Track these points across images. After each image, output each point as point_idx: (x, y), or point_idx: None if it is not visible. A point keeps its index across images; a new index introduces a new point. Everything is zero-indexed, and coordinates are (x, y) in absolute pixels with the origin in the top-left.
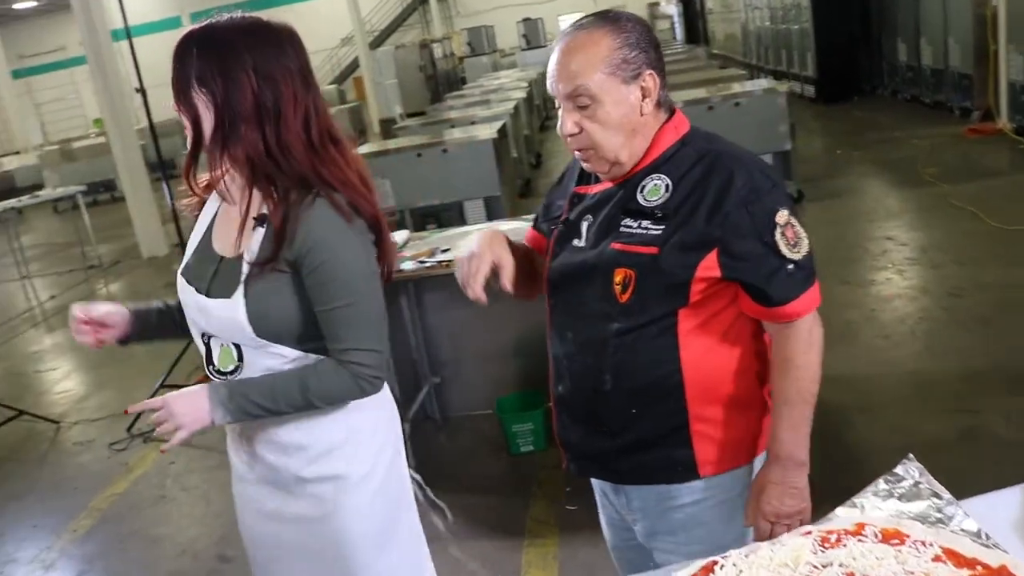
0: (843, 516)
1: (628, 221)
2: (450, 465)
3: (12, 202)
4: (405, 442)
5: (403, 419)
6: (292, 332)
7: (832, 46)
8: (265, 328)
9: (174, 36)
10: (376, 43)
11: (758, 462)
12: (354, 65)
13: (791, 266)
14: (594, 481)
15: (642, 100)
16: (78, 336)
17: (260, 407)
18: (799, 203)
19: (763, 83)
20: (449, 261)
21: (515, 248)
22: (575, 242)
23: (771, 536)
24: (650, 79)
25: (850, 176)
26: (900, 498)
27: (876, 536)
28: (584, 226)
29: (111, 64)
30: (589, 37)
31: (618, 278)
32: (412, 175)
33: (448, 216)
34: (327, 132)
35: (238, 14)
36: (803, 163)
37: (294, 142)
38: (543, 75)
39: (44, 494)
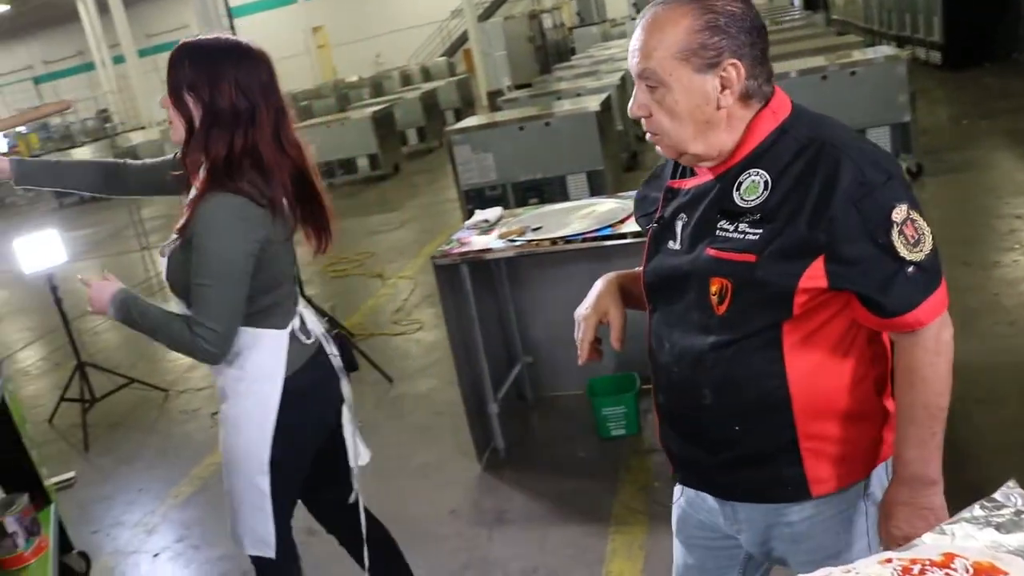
0: (930, 544)
1: (725, 223)
2: (539, 446)
3: None
4: (495, 420)
5: (494, 399)
6: (186, 292)
7: (961, 8)
8: (173, 284)
9: (287, 13)
10: (485, 15)
11: (876, 475)
12: (463, 38)
13: (911, 268)
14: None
15: (720, 92)
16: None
17: (136, 323)
18: (918, 178)
19: (883, 50)
20: (541, 240)
21: (634, 279)
22: (670, 244)
23: None
24: (732, 69)
25: (977, 149)
26: (998, 528)
27: (967, 570)
28: (679, 226)
29: None
30: (670, 14)
31: (714, 288)
32: (514, 149)
33: (550, 190)
34: (289, 136)
35: (224, 34)
36: (924, 135)
37: (263, 142)
38: None
39: (151, 460)
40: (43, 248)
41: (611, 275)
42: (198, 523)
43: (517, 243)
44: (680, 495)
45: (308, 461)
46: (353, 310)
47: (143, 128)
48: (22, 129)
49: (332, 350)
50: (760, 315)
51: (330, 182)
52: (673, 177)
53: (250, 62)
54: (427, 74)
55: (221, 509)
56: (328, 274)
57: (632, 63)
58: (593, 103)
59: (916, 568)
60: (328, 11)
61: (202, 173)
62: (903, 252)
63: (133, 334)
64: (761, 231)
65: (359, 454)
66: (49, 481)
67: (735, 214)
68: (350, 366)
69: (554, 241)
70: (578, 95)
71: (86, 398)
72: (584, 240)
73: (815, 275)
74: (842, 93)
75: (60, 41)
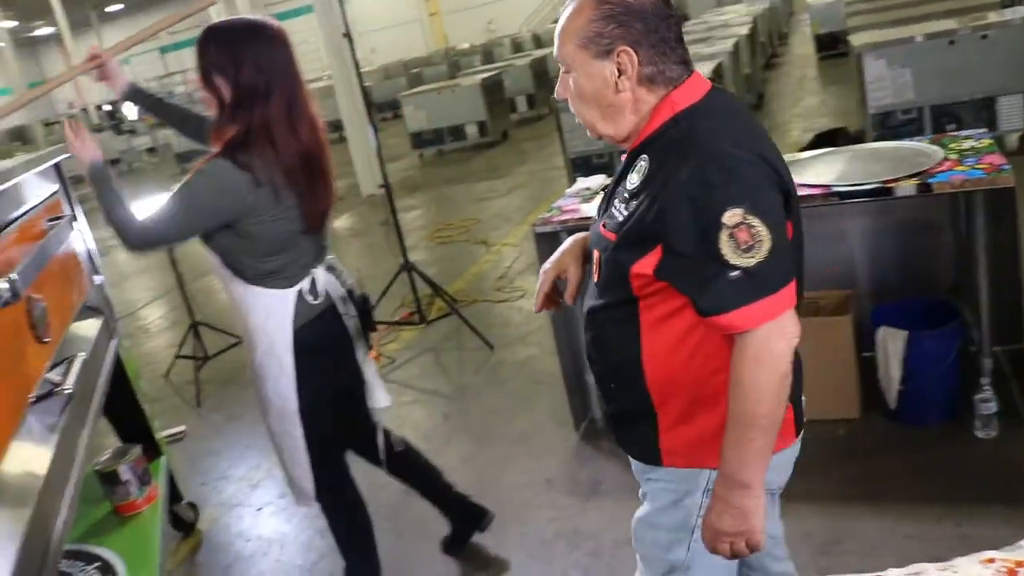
0: None
1: (616, 202)
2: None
3: None
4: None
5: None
6: (208, 239)
7: None
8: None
9: None
10: None
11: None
12: None
13: (736, 272)
14: None
15: (617, 77)
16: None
17: (99, 189)
18: None
19: (1021, 10)
20: None
21: None
22: (599, 216)
23: (717, 552)
24: (625, 56)
25: None
26: None
27: None
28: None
29: (334, 10)
30: (579, 5)
31: (595, 257)
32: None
33: None
34: (305, 112)
35: (248, 15)
36: None
37: (275, 121)
38: (770, 10)
39: (257, 418)
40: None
41: (579, 235)
42: None
43: None
44: None
45: (331, 409)
46: (457, 276)
47: None
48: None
49: (347, 310)
50: (615, 290)
51: (439, 148)
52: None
53: (266, 41)
54: (538, 41)
55: None
56: (434, 240)
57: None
58: (705, 70)
59: (1023, 572)
60: None
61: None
62: (728, 255)
63: None
64: (627, 214)
65: (377, 398)
66: (161, 434)
67: (623, 194)
68: (367, 325)
69: None
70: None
71: (199, 356)
72: None
73: (649, 263)
74: (970, 59)
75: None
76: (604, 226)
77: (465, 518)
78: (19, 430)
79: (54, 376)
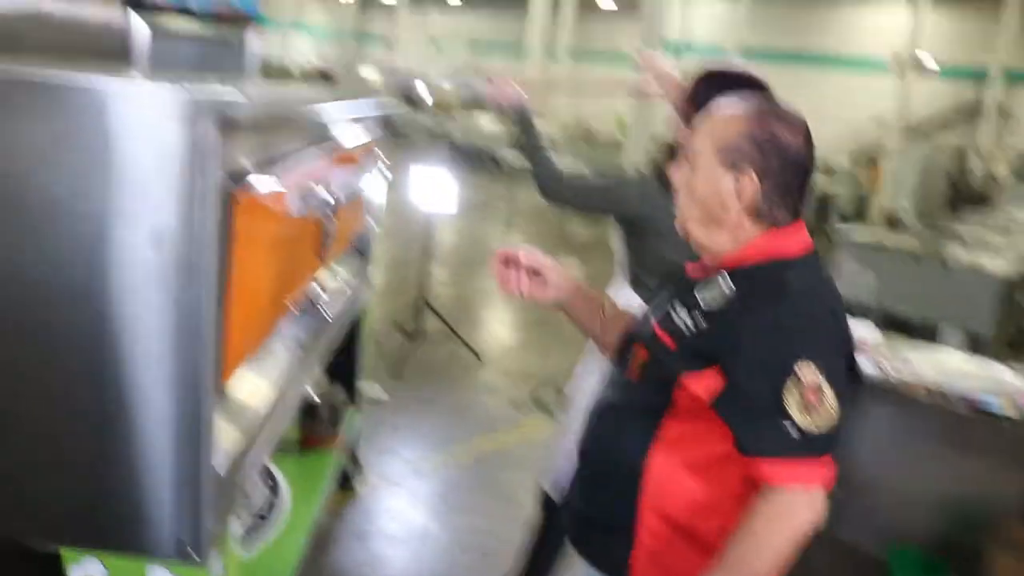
0: None
1: (678, 309)
2: None
3: None
4: None
5: None
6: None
7: None
8: None
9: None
10: (913, 134)
11: None
12: (877, 149)
13: (791, 425)
14: None
15: (731, 193)
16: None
17: (522, 130)
18: None
19: None
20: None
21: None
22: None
23: None
24: (747, 180)
25: None
26: None
27: None
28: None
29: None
30: (735, 112)
31: (639, 355)
32: (901, 280)
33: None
34: None
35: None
36: None
37: None
38: None
39: (445, 411)
40: (435, 189)
41: (574, 280)
42: (458, 487)
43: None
44: None
45: None
46: None
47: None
48: (447, 86)
49: None
50: (649, 395)
51: None
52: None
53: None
54: (826, 167)
55: (486, 482)
56: None
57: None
58: (1003, 265)
59: None
60: None
61: None
62: (790, 408)
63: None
64: (694, 330)
65: None
66: (365, 391)
67: (689, 306)
68: None
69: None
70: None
71: (413, 332)
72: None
73: (704, 385)
74: None
75: (505, 20)
76: (659, 326)
77: None
78: (275, 331)
79: (320, 297)
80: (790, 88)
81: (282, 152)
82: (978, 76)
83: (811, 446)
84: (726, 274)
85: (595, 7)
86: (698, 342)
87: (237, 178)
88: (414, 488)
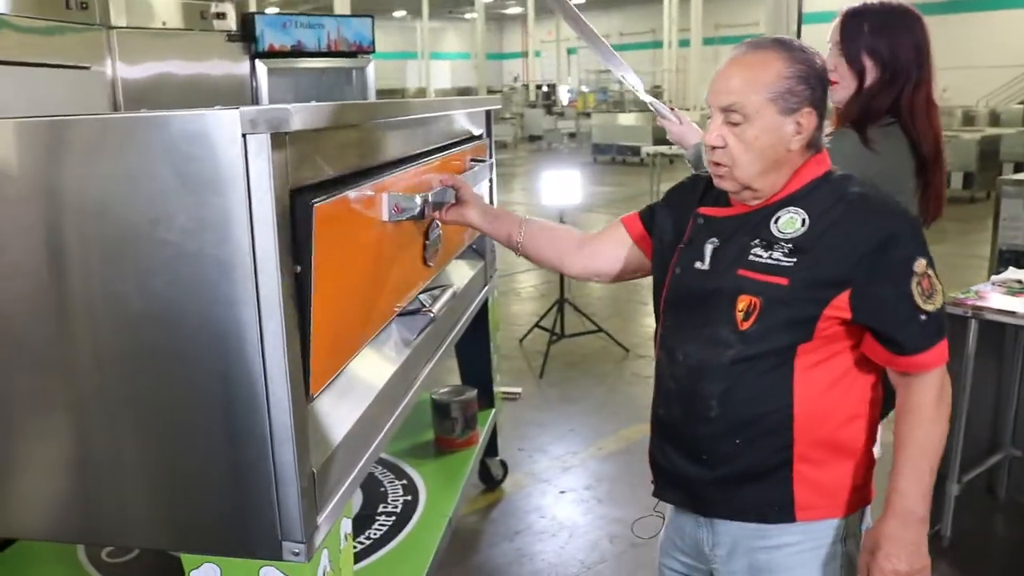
0: None
1: (759, 250)
2: (998, 549)
3: (663, 148)
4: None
5: (957, 478)
6: None
7: None
8: None
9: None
10: None
11: (853, 521)
12: None
13: (924, 316)
14: (675, 512)
15: (794, 135)
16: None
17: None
18: None
19: None
20: None
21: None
22: (697, 264)
23: None
24: (807, 117)
25: None
26: None
27: None
28: (708, 249)
29: None
30: (761, 58)
31: (741, 305)
32: None
33: None
34: (935, 102)
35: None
36: None
37: (920, 105)
38: None
39: (590, 407)
40: (564, 186)
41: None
42: (609, 479)
43: None
44: (666, 523)
45: None
46: None
47: (687, 110)
48: (584, 88)
49: None
50: (781, 335)
51: None
52: (705, 204)
53: (918, 24)
54: (995, 119)
55: (635, 472)
56: None
57: (717, 97)
58: None
59: None
60: None
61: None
62: (919, 301)
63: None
64: (796, 260)
65: None
66: (499, 389)
67: (770, 243)
68: None
69: None
70: None
71: (556, 331)
72: None
73: (840, 306)
74: None
75: (639, 17)
76: (751, 271)
77: None
78: (379, 335)
79: (425, 298)
80: (949, 39)
81: (368, 162)
82: None
83: (943, 326)
84: (788, 205)
85: None
86: (812, 271)
87: (315, 190)
88: (563, 485)
